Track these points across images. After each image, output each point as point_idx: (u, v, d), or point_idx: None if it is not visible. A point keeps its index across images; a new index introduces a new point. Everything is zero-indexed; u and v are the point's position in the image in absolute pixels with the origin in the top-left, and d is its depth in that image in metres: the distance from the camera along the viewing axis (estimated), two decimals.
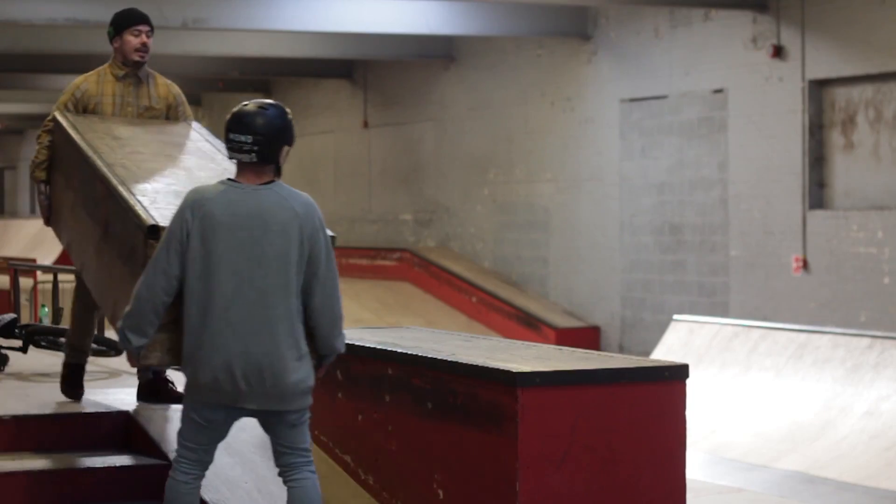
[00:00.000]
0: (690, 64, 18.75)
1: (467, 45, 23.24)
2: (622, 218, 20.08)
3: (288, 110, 5.72)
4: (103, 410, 7.49)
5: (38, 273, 19.12)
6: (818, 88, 17.21)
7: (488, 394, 5.81)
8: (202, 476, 5.74)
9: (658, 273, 19.42)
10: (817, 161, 17.26)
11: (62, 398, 8.07)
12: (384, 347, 6.58)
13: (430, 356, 6.19)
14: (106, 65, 7.52)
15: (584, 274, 20.59)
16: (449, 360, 6.06)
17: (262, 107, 5.67)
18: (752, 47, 17.81)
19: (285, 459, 5.72)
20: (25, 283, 18.23)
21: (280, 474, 5.78)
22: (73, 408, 7.59)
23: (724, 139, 18.39)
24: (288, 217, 5.56)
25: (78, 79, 7.45)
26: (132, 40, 7.46)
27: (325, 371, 5.84)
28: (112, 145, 6.85)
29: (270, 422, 5.68)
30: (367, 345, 6.70)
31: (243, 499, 6.51)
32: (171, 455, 6.87)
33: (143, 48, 7.45)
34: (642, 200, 19.71)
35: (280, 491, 6.60)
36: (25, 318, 16.16)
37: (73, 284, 7.67)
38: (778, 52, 17.40)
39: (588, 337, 20.07)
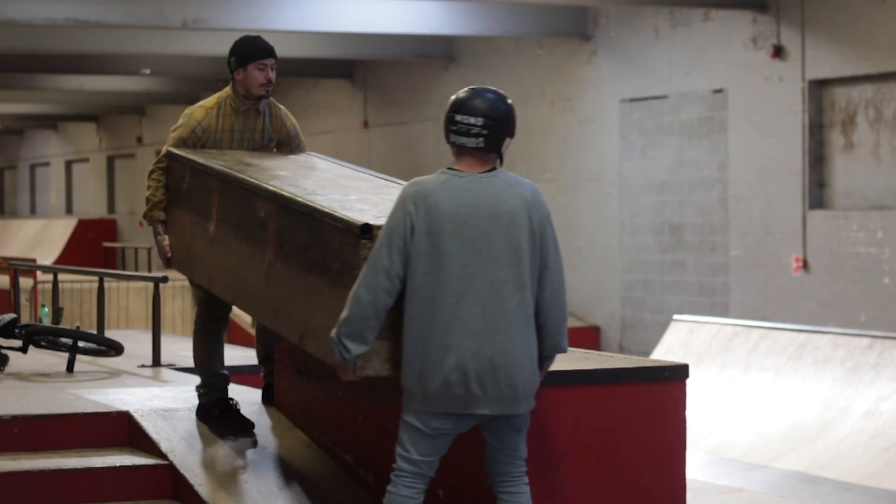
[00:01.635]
0: (690, 64, 18.74)
1: (467, 45, 23.24)
2: (622, 218, 20.08)
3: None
4: (103, 410, 7.50)
5: (38, 273, 19.14)
6: (818, 88, 17.21)
7: None
8: (424, 491, 5.36)
9: (658, 273, 19.42)
10: (817, 161, 17.26)
11: (62, 398, 8.07)
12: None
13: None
14: (226, 96, 7.04)
15: (584, 274, 20.59)
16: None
17: (492, 91, 5.36)
18: (752, 47, 17.81)
19: (504, 468, 5.39)
20: (25, 283, 18.25)
21: (492, 482, 5.44)
22: (73, 408, 7.59)
23: (724, 139, 18.39)
24: (516, 204, 5.23)
25: (196, 112, 7.03)
26: (258, 75, 6.93)
27: (544, 374, 5.43)
28: (251, 170, 6.55)
29: (497, 427, 5.31)
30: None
31: (243, 497, 6.50)
32: (172, 455, 6.88)
33: (269, 83, 6.94)
34: (642, 200, 19.71)
35: (279, 489, 6.60)
36: (25, 318, 16.17)
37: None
38: (778, 52, 17.40)
39: (588, 337, 20.06)
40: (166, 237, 7.06)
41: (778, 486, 12.01)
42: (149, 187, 7.05)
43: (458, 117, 5.31)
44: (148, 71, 25.74)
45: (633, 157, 19.86)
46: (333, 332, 5.22)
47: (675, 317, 16.09)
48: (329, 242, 5.57)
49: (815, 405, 13.24)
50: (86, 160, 40.59)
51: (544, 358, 5.35)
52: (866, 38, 16.43)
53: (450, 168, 5.35)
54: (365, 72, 26.43)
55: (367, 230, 5.32)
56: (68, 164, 41.97)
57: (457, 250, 5.16)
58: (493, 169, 5.32)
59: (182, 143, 6.96)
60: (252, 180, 6.28)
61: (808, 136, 17.21)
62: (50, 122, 40.77)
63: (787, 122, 17.39)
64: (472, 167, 5.32)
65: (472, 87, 5.39)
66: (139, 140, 36.62)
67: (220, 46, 22.64)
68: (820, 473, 12.32)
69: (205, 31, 20.85)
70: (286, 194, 5.97)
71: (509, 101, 5.38)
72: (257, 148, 7.06)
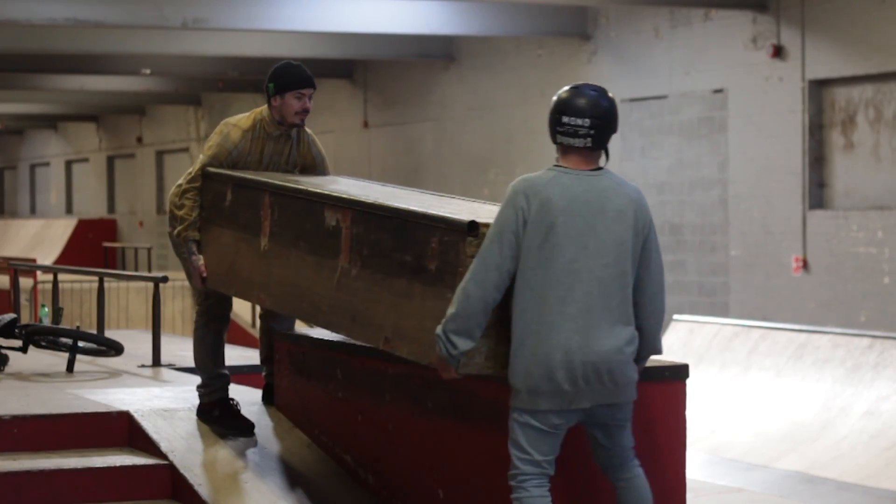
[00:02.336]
0: (690, 64, 18.75)
1: (467, 45, 23.25)
2: None
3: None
4: (103, 410, 7.51)
5: (38, 273, 19.14)
6: (818, 88, 17.21)
7: (488, 393, 5.81)
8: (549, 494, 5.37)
9: None
10: (817, 161, 17.26)
11: (62, 398, 8.07)
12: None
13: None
14: (260, 118, 7.03)
15: None
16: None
17: (594, 89, 5.38)
18: (752, 47, 17.81)
19: (615, 461, 5.46)
20: (25, 283, 18.25)
21: (607, 473, 5.50)
22: (73, 408, 7.60)
23: (724, 139, 18.40)
24: (624, 203, 5.32)
25: (233, 134, 7.01)
26: (294, 104, 6.92)
27: (639, 373, 5.47)
28: (304, 184, 6.57)
29: (601, 422, 5.38)
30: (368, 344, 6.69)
31: (243, 497, 6.51)
32: (172, 455, 6.88)
33: (305, 112, 6.94)
34: None
35: (279, 489, 6.61)
36: (25, 318, 16.17)
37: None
38: (778, 52, 17.40)
39: None
40: (201, 257, 7.02)
41: (778, 486, 12.02)
42: (182, 206, 6.99)
43: (565, 119, 5.33)
44: (148, 71, 25.75)
45: (633, 157, 19.87)
46: (439, 329, 5.25)
47: (675, 317, 16.09)
48: (424, 243, 5.58)
49: (815, 405, 13.25)
50: (86, 160, 40.61)
51: (640, 358, 5.45)
52: (866, 37, 16.44)
53: (556, 165, 5.39)
54: (365, 72, 26.44)
55: (474, 227, 5.36)
56: (68, 164, 41.99)
57: (566, 245, 5.23)
58: (600, 168, 5.40)
59: (217, 163, 6.96)
60: (321, 191, 6.31)
61: (808, 136, 17.22)
62: (50, 122, 40.78)
63: (787, 122, 17.39)
64: (580, 165, 5.37)
65: (575, 85, 5.42)
66: (139, 140, 36.63)
67: (220, 46, 22.70)
68: (820, 473, 12.33)
69: (205, 30, 20.87)
70: (369, 200, 5.99)
71: (611, 95, 5.43)
72: (281, 171, 7.05)
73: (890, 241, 16.17)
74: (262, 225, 6.67)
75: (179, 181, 7.16)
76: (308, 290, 6.32)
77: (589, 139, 5.31)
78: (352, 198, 6.09)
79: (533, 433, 5.30)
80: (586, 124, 5.29)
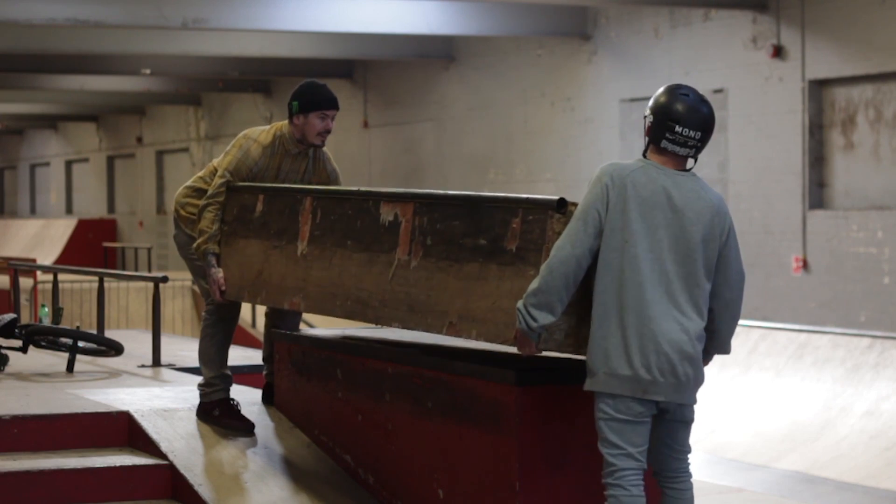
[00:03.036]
0: (690, 64, 18.76)
1: (467, 45, 23.26)
2: None
3: None
4: (103, 410, 7.52)
5: (38, 273, 19.15)
6: (818, 88, 17.22)
7: (488, 393, 5.82)
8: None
9: None
10: (817, 161, 17.27)
11: (62, 398, 8.08)
12: (385, 347, 6.59)
13: (430, 356, 6.20)
14: (281, 133, 7.08)
15: None
16: (449, 360, 6.07)
17: (704, 102, 5.47)
18: (752, 47, 17.82)
19: (672, 464, 5.50)
20: (25, 283, 18.26)
21: (658, 478, 5.54)
22: (73, 408, 7.61)
23: (724, 139, 18.41)
24: (703, 207, 5.39)
25: (254, 150, 7.06)
26: (317, 124, 6.98)
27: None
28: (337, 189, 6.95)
29: (667, 419, 5.42)
30: (368, 344, 6.71)
31: (243, 497, 6.51)
32: (172, 455, 6.89)
33: (326, 133, 7.02)
34: None
35: (279, 489, 6.62)
36: (25, 318, 16.19)
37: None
38: (778, 52, 17.41)
39: None
40: (220, 269, 7.08)
41: (778, 485, 12.03)
42: (203, 219, 7.04)
43: (678, 128, 5.39)
44: (148, 71, 25.76)
45: (633, 157, 19.87)
46: (520, 303, 5.34)
47: None
48: (503, 225, 5.70)
49: (814, 405, 13.25)
50: (86, 160, 40.63)
51: (707, 353, 5.52)
52: (866, 38, 16.44)
53: (645, 157, 5.48)
54: (365, 71, 26.45)
55: (563, 205, 5.49)
56: (68, 164, 42.01)
57: (642, 233, 5.32)
58: (688, 170, 5.49)
59: (237, 178, 7.03)
60: (377, 189, 6.51)
61: (808, 136, 17.22)
62: (50, 122, 40.81)
63: (787, 122, 17.40)
64: (669, 165, 5.45)
65: (684, 92, 5.47)
66: (139, 140, 36.65)
67: (220, 46, 22.72)
68: (820, 473, 12.34)
69: (204, 31, 20.88)
70: (434, 192, 6.23)
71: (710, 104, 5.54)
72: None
73: (890, 241, 16.17)
74: (300, 230, 6.81)
75: (188, 183, 7.23)
76: (354, 288, 6.45)
77: (693, 150, 5.43)
78: (414, 191, 6.32)
79: (619, 425, 5.33)
80: (697, 137, 5.40)
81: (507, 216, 5.69)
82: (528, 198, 5.66)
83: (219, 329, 7.27)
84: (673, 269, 5.33)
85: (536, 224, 5.56)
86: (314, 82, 7.02)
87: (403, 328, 6.23)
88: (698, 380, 5.40)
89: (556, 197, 5.54)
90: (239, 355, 11.89)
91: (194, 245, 7.06)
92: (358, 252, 6.44)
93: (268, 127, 7.10)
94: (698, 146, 5.41)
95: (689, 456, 5.55)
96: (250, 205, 7.05)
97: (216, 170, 7.16)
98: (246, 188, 7.09)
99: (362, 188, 6.63)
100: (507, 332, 5.56)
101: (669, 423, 5.44)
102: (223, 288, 7.01)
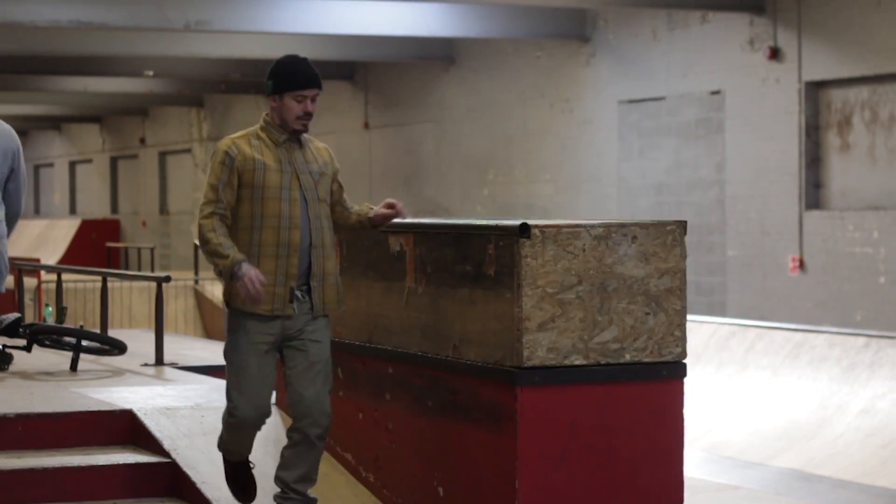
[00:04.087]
0: (688, 66, 18.81)
1: (467, 47, 23.30)
2: None
3: None
4: (106, 409, 7.53)
5: (42, 273, 19.22)
6: (814, 90, 17.27)
7: (488, 392, 5.84)
8: None
9: None
10: (814, 162, 17.32)
11: (66, 396, 8.12)
12: (385, 347, 6.64)
13: (430, 355, 6.25)
14: (256, 129, 6.08)
15: None
16: (449, 359, 6.13)
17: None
18: (749, 49, 17.87)
19: None
20: (29, 282, 18.33)
21: None
22: (76, 406, 7.62)
23: (721, 140, 18.46)
24: None
25: (220, 145, 6.02)
26: (294, 107, 6.01)
27: None
28: None
29: None
30: (368, 344, 6.76)
31: None
32: (175, 453, 6.94)
33: (306, 116, 6.03)
34: (640, 201, 19.78)
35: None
36: (29, 318, 16.24)
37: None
38: (775, 53, 17.45)
39: None
40: (251, 269, 5.86)
41: (774, 483, 12.04)
42: (208, 241, 5.85)
43: None
44: (151, 72, 25.81)
45: (631, 158, 19.93)
46: None
47: None
48: (482, 251, 5.92)
49: (811, 404, 13.28)
50: (89, 161, 40.63)
51: None
52: (862, 40, 16.49)
53: None
54: (366, 73, 26.48)
55: (525, 229, 5.70)
56: (72, 165, 42.02)
57: None
58: None
59: (220, 183, 5.94)
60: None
61: (804, 138, 17.27)
62: (54, 123, 40.81)
63: (784, 124, 17.45)
64: None
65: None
66: (142, 141, 36.68)
67: (223, 48, 22.77)
68: (816, 471, 12.35)
69: (207, 32, 20.92)
70: (427, 222, 6.41)
71: None
72: (318, 182, 6.06)
73: (885, 241, 16.22)
74: None
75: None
76: (379, 316, 6.66)
77: None
78: (412, 222, 6.45)
79: None
80: None
81: (484, 243, 5.90)
82: (497, 224, 5.86)
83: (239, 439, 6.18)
84: None
85: (506, 249, 5.76)
86: (292, 57, 6.12)
87: (420, 352, 6.37)
88: None
89: (518, 222, 5.72)
90: None
91: (217, 270, 5.91)
92: (378, 282, 6.65)
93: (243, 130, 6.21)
94: None
95: None
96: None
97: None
98: None
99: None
100: (496, 353, 5.78)
101: None
102: (263, 280, 5.82)
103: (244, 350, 5.93)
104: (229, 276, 5.85)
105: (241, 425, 6.00)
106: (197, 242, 6.15)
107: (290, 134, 6.06)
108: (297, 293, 5.95)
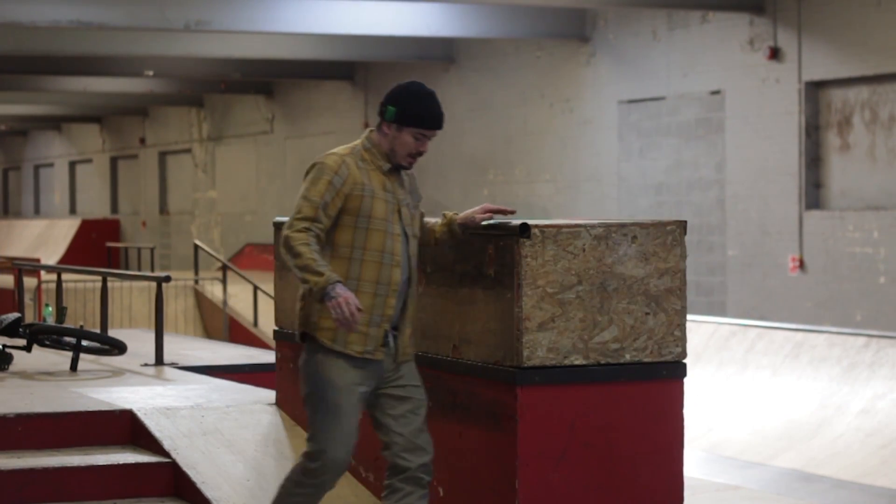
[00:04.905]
0: (688, 66, 18.82)
1: (467, 47, 23.31)
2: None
3: None
4: (106, 409, 7.53)
5: (42, 273, 19.23)
6: (814, 90, 17.28)
7: (488, 392, 5.85)
8: None
9: None
10: (814, 162, 17.33)
11: (66, 396, 8.13)
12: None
13: (430, 355, 6.26)
14: (360, 148, 5.58)
15: None
16: (449, 359, 6.14)
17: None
18: (749, 49, 17.88)
19: None
20: (29, 282, 18.35)
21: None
22: (76, 406, 7.62)
23: (721, 140, 18.47)
24: None
25: (327, 160, 5.49)
26: (410, 144, 5.54)
27: None
28: None
29: None
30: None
31: (246, 497, 6.56)
32: (175, 453, 6.95)
33: (418, 156, 5.58)
34: (640, 201, 19.79)
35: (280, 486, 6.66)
36: (29, 318, 16.25)
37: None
38: (775, 53, 17.47)
39: None
40: (344, 290, 5.37)
41: (774, 483, 12.05)
42: (299, 255, 5.34)
43: None
44: (151, 72, 25.82)
45: (631, 158, 19.94)
46: None
47: None
48: (482, 252, 5.92)
49: (811, 403, 13.29)
50: (89, 161, 40.65)
51: None
52: (862, 40, 16.50)
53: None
54: (366, 73, 26.50)
55: (526, 229, 5.69)
56: (72, 165, 42.04)
57: None
58: None
59: (319, 200, 5.43)
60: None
61: (804, 138, 17.28)
62: (54, 123, 40.83)
63: (784, 124, 17.46)
64: None
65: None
66: (142, 141, 36.70)
67: (223, 48, 22.78)
68: (816, 471, 12.36)
69: (207, 32, 20.94)
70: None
71: None
72: (410, 222, 5.67)
73: (885, 241, 16.24)
74: None
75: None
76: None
77: None
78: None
79: None
80: None
81: (484, 243, 5.90)
82: (497, 224, 5.84)
83: (312, 495, 5.66)
84: None
85: (506, 249, 5.76)
86: (422, 89, 5.59)
87: (420, 352, 6.36)
88: None
89: (518, 222, 5.70)
90: (240, 354, 11.98)
91: (308, 286, 5.35)
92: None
93: (341, 146, 5.67)
94: None
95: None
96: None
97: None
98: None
99: None
100: (497, 354, 5.78)
101: None
102: (359, 306, 5.33)
103: (338, 389, 5.44)
104: (320, 297, 5.30)
105: (325, 472, 5.48)
106: (284, 253, 5.39)
107: (392, 165, 5.58)
108: (390, 337, 5.55)
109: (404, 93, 5.55)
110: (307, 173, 5.49)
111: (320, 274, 5.27)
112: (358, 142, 5.60)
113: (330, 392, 5.45)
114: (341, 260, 5.47)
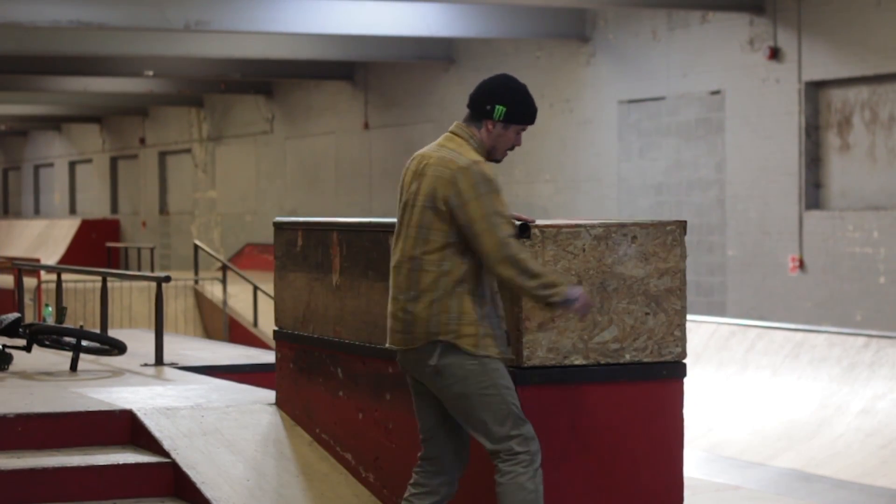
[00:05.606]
0: (688, 66, 18.83)
1: (467, 47, 23.32)
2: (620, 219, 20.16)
3: None
4: (106, 409, 7.54)
5: (42, 273, 19.24)
6: (814, 90, 17.28)
7: None
8: None
9: None
10: (813, 162, 17.34)
11: (66, 396, 8.13)
12: (385, 347, 6.65)
13: None
14: (468, 145, 5.54)
15: None
16: None
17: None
18: (748, 49, 17.89)
19: None
20: (29, 282, 18.36)
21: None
22: (76, 406, 7.63)
23: (721, 140, 18.47)
24: None
25: (486, 170, 5.44)
26: (512, 139, 5.56)
27: None
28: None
29: None
30: (368, 344, 6.77)
31: (246, 496, 6.57)
32: (175, 453, 6.95)
33: (511, 150, 5.65)
34: (640, 201, 19.80)
35: (280, 487, 6.67)
36: (29, 318, 16.26)
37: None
38: (774, 53, 17.47)
39: None
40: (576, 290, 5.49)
41: (774, 483, 12.06)
42: (528, 269, 5.37)
43: None
44: (151, 73, 25.84)
45: (631, 158, 19.95)
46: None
47: None
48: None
49: (811, 404, 13.29)
50: (89, 161, 40.67)
51: None
52: (862, 40, 16.51)
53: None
54: (366, 73, 26.50)
55: (525, 229, 5.74)
56: (72, 165, 42.05)
57: None
58: None
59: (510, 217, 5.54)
60: (381, 220, 6.67)
61: (804, 138, 17.29)
62: (54, 123, 40.85)
63: (784, 124, 17.47)
64: None
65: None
66: (142, 141, 36.71)
67: (222, 48, 22.79)
68: (816, 471, 12.37)
69: (207, 33, 20.95)
70: None
71: None
72: None
73: (885, 241, 16.24)
74: (332, 262, 6.97)
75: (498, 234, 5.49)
76: (379, 316, 6.60)
77: None
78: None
79: None
80: None
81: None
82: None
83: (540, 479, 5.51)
84: None
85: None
86: (523, 85, 5.58)
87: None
88: None
89: (518, 223, 5.71)
90: (240, 354, 11.98)
91: (548, 293, 5.37)
92: (378, 282, 6.62)
93: (462, 147, 5.55)
94: None
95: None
96: (292, 240, 7.28)
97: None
98: (287, 225, 7.34)
99: (373, 220, 6.80)
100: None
101: None
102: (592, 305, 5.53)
103: (511, 386, 5.49)
104: (562, 301, 5.38)
105: (538, 446, 5.48)
106: (516, 275, 5.37)
107: (489, 161, 5.57)
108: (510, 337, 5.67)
109: (510, 91, 5.52)
110: (474, 184, 5.40)
111: (561, 283, 5.40)
112: (462, 140, 5.54)
113: (509, 388, 5.46)
114: (473, 266, 5.50)
